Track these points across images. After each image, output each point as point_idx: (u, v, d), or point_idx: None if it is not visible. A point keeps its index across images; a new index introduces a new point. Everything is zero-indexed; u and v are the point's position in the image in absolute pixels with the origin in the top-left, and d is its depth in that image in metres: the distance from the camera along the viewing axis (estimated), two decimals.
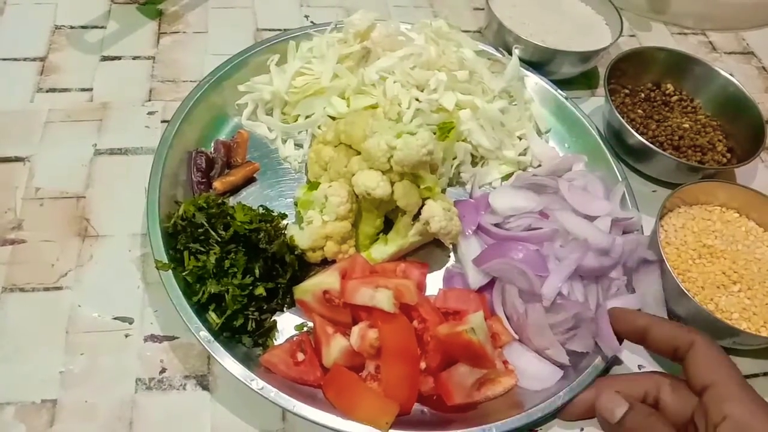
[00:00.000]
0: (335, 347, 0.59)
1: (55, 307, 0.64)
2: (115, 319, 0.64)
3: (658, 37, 1.07)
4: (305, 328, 0.64)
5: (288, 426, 0.60)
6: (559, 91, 0.87)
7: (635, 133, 0.79)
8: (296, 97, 0.79)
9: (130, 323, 0.64)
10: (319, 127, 0.78)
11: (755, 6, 1.10)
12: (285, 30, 0.89)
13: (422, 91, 0.79)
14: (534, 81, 0.88)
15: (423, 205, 0.67)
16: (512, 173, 0.81)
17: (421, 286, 0.67)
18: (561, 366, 0.63)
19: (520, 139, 0.83)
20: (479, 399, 0.61)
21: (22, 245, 0.68)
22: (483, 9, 0.96)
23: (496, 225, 0.71)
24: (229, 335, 0.61)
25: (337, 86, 0.78)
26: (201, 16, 0.95)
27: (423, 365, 0.60)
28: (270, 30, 0.94)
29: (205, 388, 0.61)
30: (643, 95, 0.90)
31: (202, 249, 0.61)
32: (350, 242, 0.68)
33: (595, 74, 0.97)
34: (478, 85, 0.82)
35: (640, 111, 0.87)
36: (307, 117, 0.79)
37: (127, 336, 0.63)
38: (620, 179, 0.78)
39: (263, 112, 0.81)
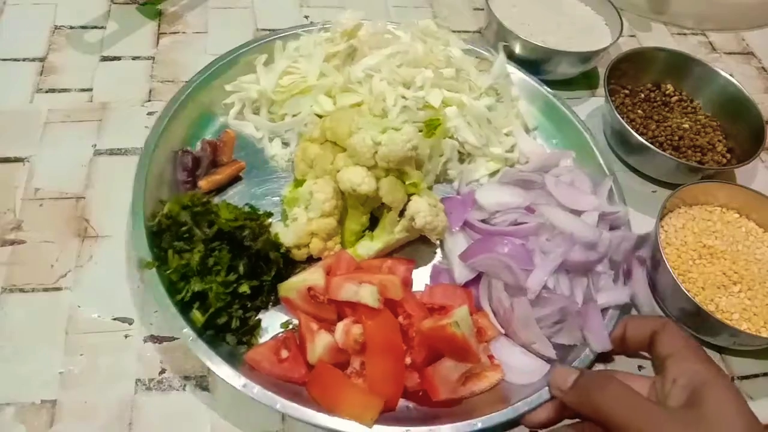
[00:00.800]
0: (320, 344, 0.59)
1: (55, 307, 0.64)
2: (114, 319, 0.64)
3: (658, 37, 1.07)
4: (291, 326, 0.64)
5: (287, 427, 0.59)
6: (547, 88, 0.86)
7: (635, 134, 0.79)
8: (283, 96, 0.79)
9: (130, 324, 0.64)
10: (305, 126, 0.77)
11: (755, 6, 1.10)
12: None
13: (409, 88, 0.78)
14: (521, 78, 0.87)
15: (409, 201, 0.66)
16: (499, 170, 0.80)
17: (407, 282, 0.67)
18: (548, 360, 0.63)
19: (508, 136, 0.83)
20: (465, 394, 0.60)
21: (22, 246, 0.68)
22: (483, 9, 0.96)
23: (483, 221, 0.70)
24: (212, 333, 0.60)
25: (324, 85, 0.78)
26: (200, 16, 0.95)
27: (408, 360, 0.60)
28: (270, 30, 0.93)
29: (205, 388, 0.61)
30: (642, 95, 0.90)
31: (187, 247, 0.61)
32: (336, 239, 0.68)
33: (595, 74, 0.97)
34: (465, 82, 0.82)
35: (640, 111, 0.87)
36: (293, 116, 0.79)
37: (126, 336, 0.63)
38: (608, 174, 0.77)
39: (250, 112, 0.80)
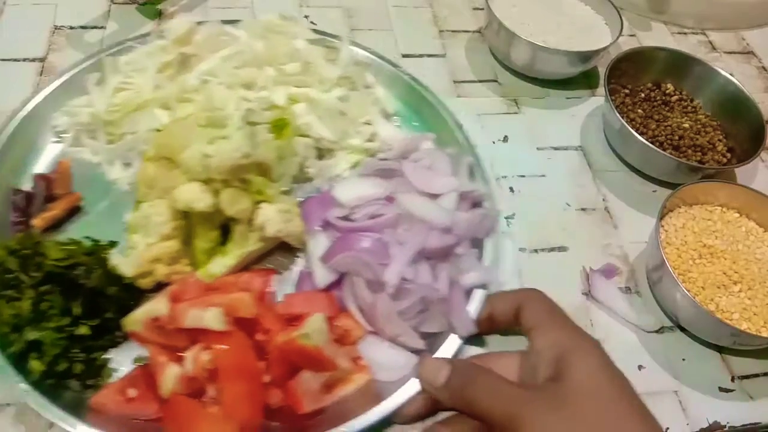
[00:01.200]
0: (170, 375, 0.55)
1: None
2: None
3: (658, 36, 1.07)
4: (144, 360, 0.60)
5: None
6: (404, 70, 0.84)
7: (635, 133, 0.79)
8: (118, 115, 0.74)
9: None
10: (144, 144, 0.72)
11: (755, 5, 1.10)
12: None
13: (251, 90, 0.75)
14: (377, 63, 0.85)
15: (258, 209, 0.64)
16: (361, 161, 0.77)
17: (264, 295, 0.64)
18: (417, 351, 0.61)
19: (367, 125, 0.80)
20: (333, 401, 0.58)
21: None
22: (483, 9, 0.96)
23: (344, 218, 0.67)
24: (53, 382, 0.56)
25: (160, 97, 0.74)
26: (200, 16, 0.95)
27: (268, 378, 0.57)
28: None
29: None
30: (643, 95, 0.90)
31: (17, 295, 0.56)
32: (184, 261, 0.63)
33: (595, 74, 0.97)
34: (313, 75, 0.78)
35: (640, 111, 0.87)
36: (132, 134, 0.73)
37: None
38: (469, 152, 0.75)
39: (86, 136, 0.74)
